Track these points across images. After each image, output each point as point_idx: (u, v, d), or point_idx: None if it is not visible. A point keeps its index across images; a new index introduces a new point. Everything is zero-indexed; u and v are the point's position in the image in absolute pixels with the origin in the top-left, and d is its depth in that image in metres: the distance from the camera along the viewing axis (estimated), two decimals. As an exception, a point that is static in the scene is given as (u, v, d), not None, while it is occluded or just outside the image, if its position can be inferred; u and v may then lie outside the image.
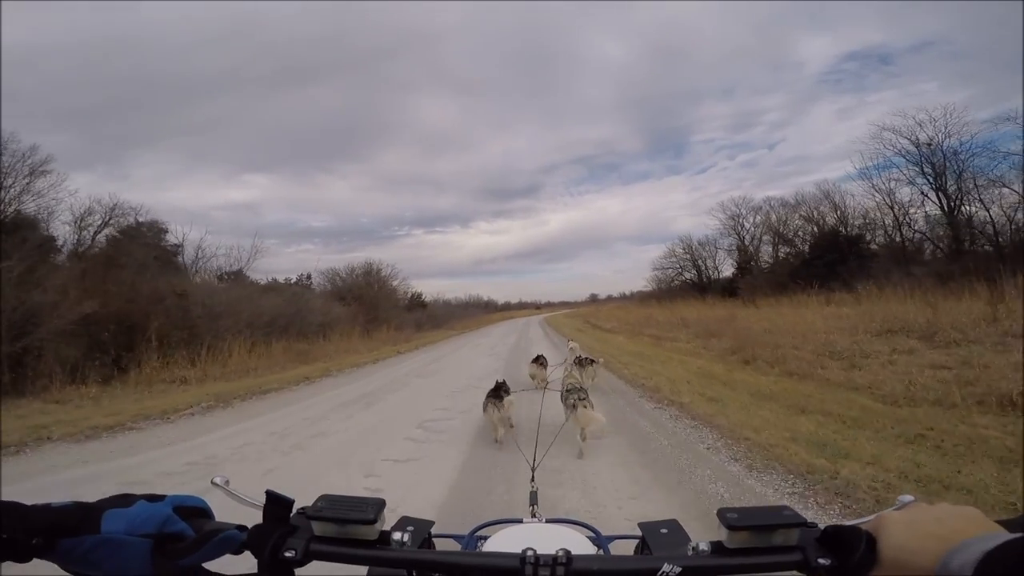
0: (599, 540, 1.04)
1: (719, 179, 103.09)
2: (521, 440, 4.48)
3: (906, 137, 23.36)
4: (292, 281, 30.89)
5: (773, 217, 35.36)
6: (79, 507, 0.53)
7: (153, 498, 0.57)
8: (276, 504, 0.58)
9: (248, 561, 0.57)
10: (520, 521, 1.09)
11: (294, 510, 0.60)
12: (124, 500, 0.56)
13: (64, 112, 36.92)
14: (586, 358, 8.50)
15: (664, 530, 0.77)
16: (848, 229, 29.33)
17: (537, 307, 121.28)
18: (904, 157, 24.18)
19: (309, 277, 32.44)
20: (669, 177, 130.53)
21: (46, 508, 0.52)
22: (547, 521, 1.12)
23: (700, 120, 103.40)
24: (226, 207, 57.32)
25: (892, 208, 26.50)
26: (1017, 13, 18.81)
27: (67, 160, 38.17)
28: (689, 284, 41.54)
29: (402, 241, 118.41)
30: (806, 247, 32.56)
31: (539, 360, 8.65)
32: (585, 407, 4.89)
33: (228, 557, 0.57)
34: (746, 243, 38.22)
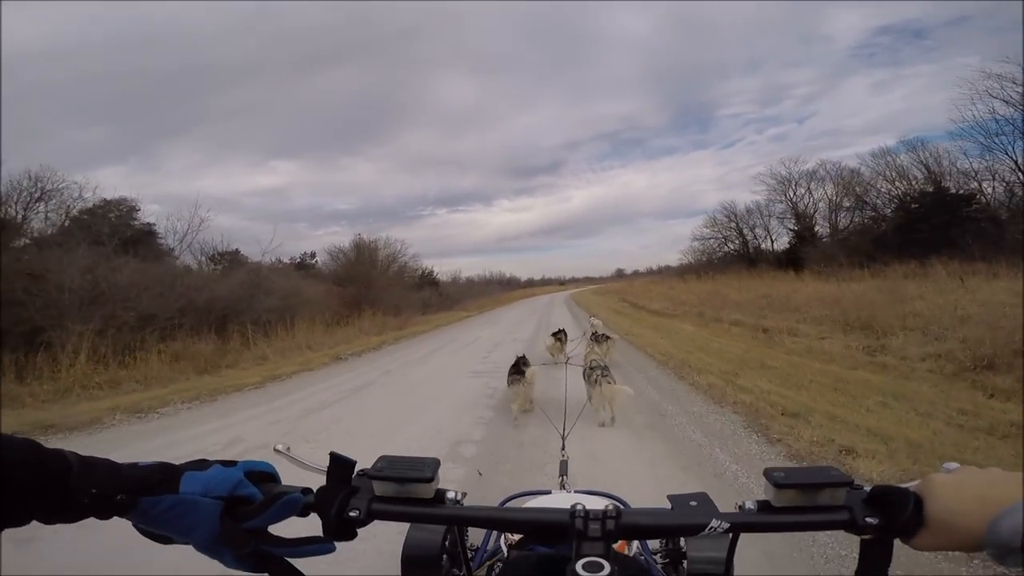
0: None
1: (747, 153, 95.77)
2: (537, 418, 4.65)
3: (1013, 82, 17.92)
4: (296, 261, 26.71)
5: (830, 189, 29.27)
6: (163, 467, 0.54)
7: (227, 463, 0.57)
8: (339, 466, 0.57)
9: (312, 523, 0.56)
10: (548, 492, 1.04)
11: (355, 472, 0.58)
12: (202, 464, 0.56)
13: (96, 106, 35.85)
14: (602, 334, 7.96)
15: (694, 502, 0.62)
16: (951, 187, 22.55)
17: (561, 283, 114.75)
18: (1015, 107, 18.65)
19: (313, 255, 28.14)
20: (695, 152, 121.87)
21: (134, 467, 0.53)
22: (575, 492, 1.04)
23: (727, 94, 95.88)
24: (255, 193, 55.87)
25: (1016, 163, 20.17)
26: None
27: (101, 154, 36.97)
28: (734, 255, 35.64)
29: (426, 221, 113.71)
30: (889, 210, 26.09)
31: (558, 334, 8.50)
32: (609, 383, 4.70)
33: (293, 520, 0.56)
34: (800, 209, 32.13)
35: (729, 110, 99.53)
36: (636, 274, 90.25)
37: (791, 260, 27.76)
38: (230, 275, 14.89)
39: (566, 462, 1.36)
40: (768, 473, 0.54)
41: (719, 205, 40.73)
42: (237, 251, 18.76)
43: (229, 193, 49.73)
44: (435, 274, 33.87)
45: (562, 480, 1.26)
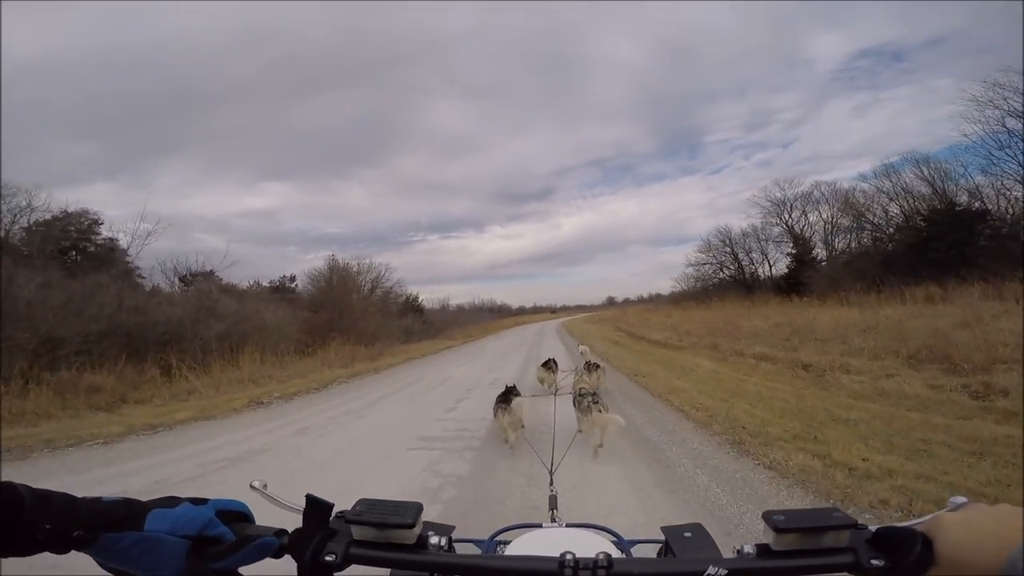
0: (622, 544, 0.94)
1: (734, 178, 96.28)
2: (527, 447, 4.22)
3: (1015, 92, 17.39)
4: (275, 284, 25.02)
5: (825, 211, 28.70)
6: (127, 504, 0.51)
7: (197, 501, 0.55)
8: (316, 508, 0.54)
9: (288, 565, 0.53)
10: (539, 526, 0.98)
11: (333, 514, 0.56)
12: (170, 501, 0.54)
13: (88, 122, 35.44)
14: (593, 363, 7.57)
15: (688, 534, 0.65)
16: (963, 203, 21.44)
17: (552, 311, 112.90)
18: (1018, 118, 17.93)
19: (293, 279, 26.51)
20: (683, 178, 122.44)
21: (96, 501, 0.50)
22: (567, 526, 1.00)
23: (714, 120, 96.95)
24: (245, 215, 54.85)
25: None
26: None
27: (92, 169, 35.65)
28: (730, 281, 34.58)
29: (417, 247, 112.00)
30: (891, 229, 25.06)
31: (548, 364, 8.10)
32: (600, 411, 4.48)
33: (269, 561, 0.53)
34: (797, 232, 31.35)
35: (716, 136, 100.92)
36: (627, 302, 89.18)
37: (791, 285, 26.64)
38: (178, 297, 13.13)
39: (555, 496, 1.30)
40: (768, 516, 0.52)
41: (714, 230, 39.95)
42: (211, 272, 17.35)
43: (219, 214, 48.34)
44: (420, 300, 32.11)
45: (552, 514, 1.18)
